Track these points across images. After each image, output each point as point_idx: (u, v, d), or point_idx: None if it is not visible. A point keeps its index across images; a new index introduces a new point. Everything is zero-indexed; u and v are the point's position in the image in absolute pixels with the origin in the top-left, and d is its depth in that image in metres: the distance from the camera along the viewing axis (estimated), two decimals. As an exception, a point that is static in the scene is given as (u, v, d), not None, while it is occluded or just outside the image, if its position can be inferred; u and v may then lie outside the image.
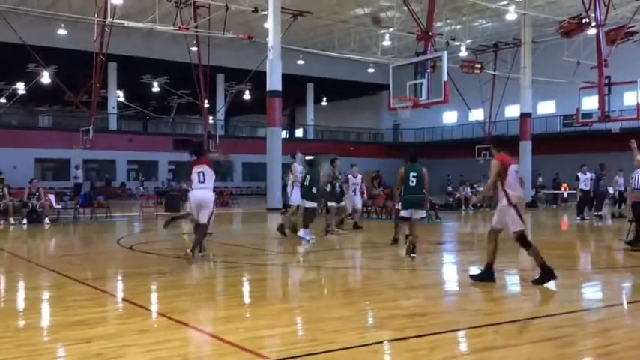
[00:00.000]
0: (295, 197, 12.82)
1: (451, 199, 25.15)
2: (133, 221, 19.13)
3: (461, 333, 5.18)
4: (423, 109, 19.90)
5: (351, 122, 49.25)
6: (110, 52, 26.88)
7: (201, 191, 9.16)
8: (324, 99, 49.97)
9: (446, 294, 7.33)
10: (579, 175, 18.58)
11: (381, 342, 4.83)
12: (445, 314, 6.06)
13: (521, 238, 7.13)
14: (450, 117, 46.03)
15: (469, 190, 25.27)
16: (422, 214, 10.13)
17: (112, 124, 39.60)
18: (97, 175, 38.08)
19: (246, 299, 6.92)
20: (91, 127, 29.63)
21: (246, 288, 7.72)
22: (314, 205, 12.48)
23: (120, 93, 41.02)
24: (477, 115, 36.69)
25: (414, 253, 9.39)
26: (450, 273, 9.29)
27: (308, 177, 12.46)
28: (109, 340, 4.81)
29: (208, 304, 6.54)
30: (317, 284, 7.99)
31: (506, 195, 7.05)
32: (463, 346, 4.94)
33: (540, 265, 7.04)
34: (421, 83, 16.21)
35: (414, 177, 9.71)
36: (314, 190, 12.32)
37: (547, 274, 7.00)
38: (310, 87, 46.25)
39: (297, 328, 5.44)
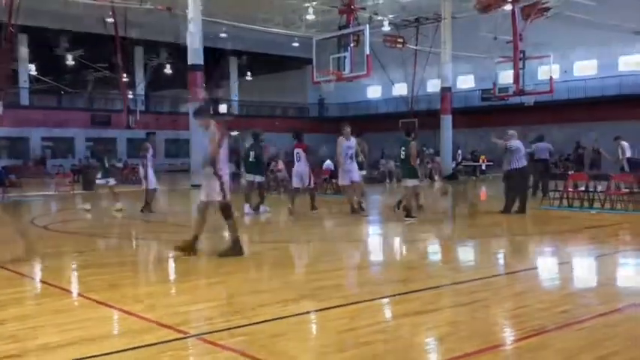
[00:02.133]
0: (355, 174, 12.11)
1: (376, 172, 25.55)
2: (49, 200, 18.36)
3: (384, 301, 5.29)
4: (347, 83, 20.01)
5: (276, 97, 48.93)
6: (21, 23, 25.35)
7: (300, 167, 11.96)
8: (249, 73, 49.33)
9: (370, 264, 7.46)
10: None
11: (305, 313, 4.85)
12: (368, 284, 6.16)
13: (224, 209, 7.13)
14: (374, 92, 46.56)
15: (392, 163, 25.76)
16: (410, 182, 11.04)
17: (24, 99, 37.64)
18: (8, 153, 36.20)
19: (169, 276, 6.79)
20: (0, 103, 28.09)
21: (168, 265, 7.57)
22: (263, 178, 12.85)
23: (32, 67, 39.00)
24: (401, 89, 37.25)
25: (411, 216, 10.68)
26: (374, 244, 9.46)
27: (252, 152, 12.54)
28: (23, 321, 4.62)
29: (128, 283, 6.36)
30: (244, 259, 7.94)
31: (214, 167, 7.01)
32: (386, 314, 5.04)
33: (233, 239, 7.12)
34: (344, 57, 16.27)
35: (402, 151, 10.87)
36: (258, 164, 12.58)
37: (236, 249, 7.09)
38: (234, 61, 45.54)
39: (216, 303, 5.38)
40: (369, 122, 39.58)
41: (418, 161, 10.98)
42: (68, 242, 9.42)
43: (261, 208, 12.52)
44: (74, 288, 5.81)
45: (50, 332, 4.29)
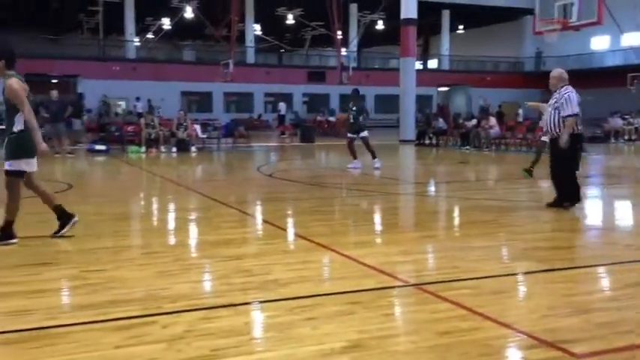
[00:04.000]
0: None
1: (599, 131, 23.47)
2: (270, 150, 19.84)
3: (611, 267, 4.89)
4: (567, 34, 18.45)
5: (488, 51, 46.87)
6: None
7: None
8: (461, 27, 47.78)
9: (591, 228, 6.92)
10: None
11: (527, 272, 4.68)
12: (592, 248, 5.74)
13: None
14: (599, 42, 42.35)
15: (620, 121, 23.41)
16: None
17: (250, 58, 40.68)
18: (236, 107, 39.64)
19: (381, 226, 6.97)
20: (230, 61, 30.75)
21: (380, 215, 7.77)
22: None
23: (257, 27, 41.84)
24: (631, 39, 33.38)
25: None
26: (596, 208, 8.74)
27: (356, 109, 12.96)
28: (256, 258, 5.07)
29: (345, 230, 6.68)
30: (452, 214, 7.87)
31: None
32: (616, 281, 4.66)
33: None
34: (571, 3, 14.95)
35: None
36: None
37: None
38: (446, 14, 44.40)
39: (436, 255, 5.41)
40: (593, 76, 36.28)
41: None
42: (290, 189, 10.12)
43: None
44: (300, 231, 6.21)
45: (280, 270, 4.67)
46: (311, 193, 9.64)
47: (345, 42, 38.90)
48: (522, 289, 4.41)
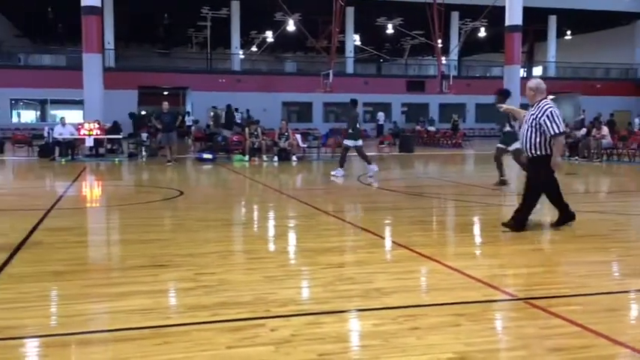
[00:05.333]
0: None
1: None
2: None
3: None
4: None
5: (598, 57, 44.66)
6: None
7: None
8: (568, 32, 45.86)
9: None
10: None
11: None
12: None
13: None
14: None
15: None
16: None
17: (349, 68, 41.04)
18: (335, 117, 40.07)
19: (485, 238, 6.82)
20: (330, 72, 31.20)
21: (483, 226, 7.61)
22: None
23: (356, 37, 42.18)
24: None
25: None
26: None
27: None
28: (359, 266, 5.13)
29: (447, 240, 6.61)
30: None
31: None
32: None
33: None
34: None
35: None
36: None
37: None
38: (553, 20, 42.77)
39: (542, 269, 5.24)
40: None
41: None
42: (390, 199, 10.12)
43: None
44: (401, 241, 6.21)
45: (383, 279, 4.69)
46: (411, 202, 9.60)
47: (445, 50, 38.40)
48: (638, 308, 4.19)
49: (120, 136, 20.95)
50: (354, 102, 13.96)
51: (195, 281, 4.57)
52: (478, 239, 6.69)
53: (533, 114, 6.58)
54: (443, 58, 34.68)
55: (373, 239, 6.46)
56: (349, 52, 40.97)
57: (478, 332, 3.47)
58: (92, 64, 20.83)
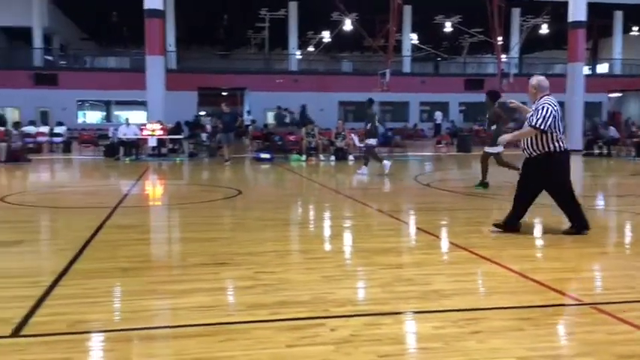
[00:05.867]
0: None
1: None
2: (426, 160, 19.69)
3: None
4: None
5: (668, 53, 42.79)
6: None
7: None
8: (635, 28, 44.06)
9: None
10: None
11: None
12: None
13: None
14: None
15: None
16: None
17: (406, 67, 40.71)
18: (391, 117, 39.84)
19: (547, 240, 6.63)
20: (387, 71, 31.03)
21: (545, 229, 7.40)
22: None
23: (413, 36, 41.80)
24: None
25: None
26: None
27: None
28: (417, 267, 5.09)
29: (507, 242, 6.45)
30: (625, 230, 7.31)
31: None
32: None
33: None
34: None
35: None
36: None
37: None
38: (619, 15, 41.21)
39: (608, 273, 5.07)
40: None
41: None
42: (447, 199, 9.98)
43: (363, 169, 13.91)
44: (460, 242, 6.12)
45: (442, 280, 4.64)
46: (469, 203, 9.45)
47: (505, 48, 37.58)
48: None
49: (181, 136, 21.44)
50: (370, 101, 14.62)
51: (255, 280, 4.63)
52: (539, 241, 6.52)
53: (531, 112, 6.40)
54: (503, 56, 33.93)
55: (431, 240, 6.39)
56: (406, 50, 40.62)
57: (542, 337, 3.39)
58: (155, 66, 21.37)
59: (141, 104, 27.31)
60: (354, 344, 3.28)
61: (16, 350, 3.23)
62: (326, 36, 41.07)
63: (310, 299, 4.12)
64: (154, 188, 12.47)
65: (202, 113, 33.43)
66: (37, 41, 35.98)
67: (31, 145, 21.29)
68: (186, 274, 4.84)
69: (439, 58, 46.66)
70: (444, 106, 38.69)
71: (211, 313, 3.83)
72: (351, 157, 18.20)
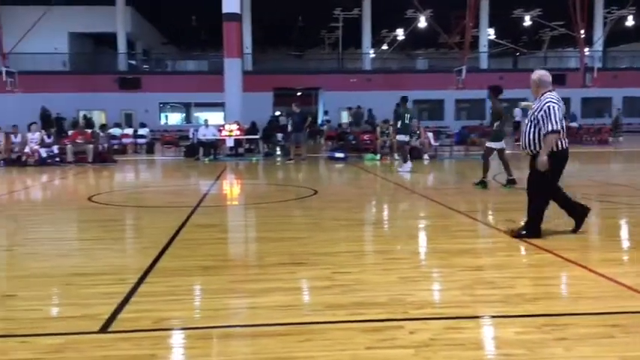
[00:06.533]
0: None
1: None
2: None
3: None
4: None
5: None
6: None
7: None
8: None
9: None
10: None
11: None
12: None
13: None
14: None
15: None
16: None
17: (483, 63, 39.80)
18: (467, 115, 39.04)
19: (632, 242, 6.30)
20: (463, 68, 30.45)
21: (630, 230, 7.05)
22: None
23: (491, 31, 40.80)
24: None
25: None
26: None
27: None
28: (498, 270, 4.95)
29: (595, 245, 6.20)
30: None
31: None
32: None
33: None
34: None
35: None
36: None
37: None
38: None
39: None
40: None
41: None
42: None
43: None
44: (543, 244, 5.90)
45: (525, 284, 4.50)
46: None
47: (588, 41, 36.08)
48: None
49: (257, 137, 21.83)
50: (404, 99, 15.42)
51: (332, 280, 4.64)
52: (627, 244, 6.21)
53: (534, 108, 6.14)
54: (586, 49, 32.59)
55: (512, 242, 6.19)
56: (483, 46, 39.71)
57: (635, 345, 3.22)
58: (232, 68, 21.87)
59: (219, 105, 28.00)
60: (434, 348, 3.23)
61: (103, 346, 3.37)
62: (400, 34, 40.74)
63: (388, 301, 4.08)
64: (232, 188, 12.74)
65: (278, 113, 33.90)
66: (122, 47, 37.58)
67: (116, 147, 22.26)
68: (264, 274, 4.91)
69: (518, 53, 45.32)
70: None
71: (289, 313, 3.87)
72: (426, 157, 17.95)
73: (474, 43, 37.96)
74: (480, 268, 5.04)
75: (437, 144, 19.64)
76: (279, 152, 20.67)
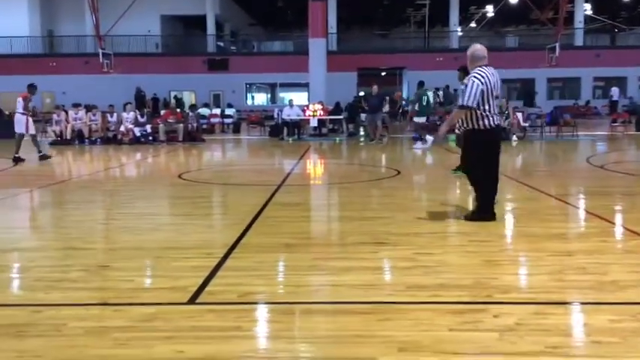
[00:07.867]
0: None
1: None
2: (600, 140, 18.24)
3: None
4: None
5: None
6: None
7: None
8: None
9: None
10: None
11: None
12: None
13: None
14: None
15: None
16: None
17: (578, 40, 37.88)
18: (559, 94, 37.40)
19: None
20: (556, 45, 29.12)
21: None
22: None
23: (587, 6, 38.73)
24: None
25: None
26: None
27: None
28: (590, 255, 4.73)
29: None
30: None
31: None
32: None
33: None
34: None
35: None
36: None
37: None
38: None
39: None
40: None
41: None
42: (624, 182, 9.17)
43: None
44: (638, 229, 5.59)
45: (619, 270, 4.28)
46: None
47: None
48: None
49: (341, 117, 21.83)
50: (421, 83, 16.66)
51: (414, 261, 4.60)
52: None
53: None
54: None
55: (605, 226, 5.92)
56: (578, 22, 37.74)
57: None
58: (317, 49, 21.94)
59: (304, 86, 28.22)
60: (520, 333, 3.13)
61: (191, 317, 3.49)
62: (490, 10, 39.40)
63: (472, 283, 4.00)
64: (315, 168, 12.84)
65: (362, 94, 33.78)
66: (210, 28, 38.48)
67: (205, 126, 22.91)
68: (347, 252, 4.93)
69: (616, 30, 42.79)
70: (621, 82, 35.55)
71: (371, 292, 3.87)
72: (514, 138, 17.35)
73: (569, 18, 36.15)
74: (571, 253, 4.84)
75: (526, 124, 18.93)
76: (362, 133, 20.60)
